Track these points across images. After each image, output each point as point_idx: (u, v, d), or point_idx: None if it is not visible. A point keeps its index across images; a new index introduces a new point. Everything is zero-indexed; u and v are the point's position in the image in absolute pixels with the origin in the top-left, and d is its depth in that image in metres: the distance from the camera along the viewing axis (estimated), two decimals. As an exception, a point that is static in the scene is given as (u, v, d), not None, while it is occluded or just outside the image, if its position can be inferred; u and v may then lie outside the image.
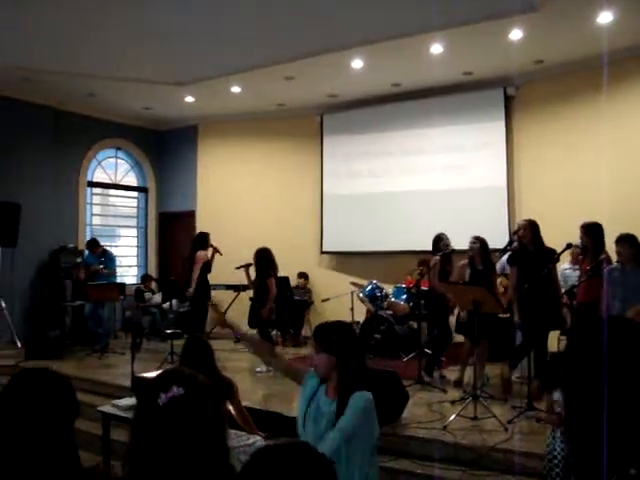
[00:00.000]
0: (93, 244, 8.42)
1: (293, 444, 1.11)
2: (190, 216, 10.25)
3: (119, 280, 8.91)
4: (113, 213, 10.93)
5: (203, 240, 7.63)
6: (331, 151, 9.30)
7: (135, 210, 10.82)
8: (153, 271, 10.53)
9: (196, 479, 1.27)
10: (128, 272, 10.59)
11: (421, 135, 8.55)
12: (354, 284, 7.92)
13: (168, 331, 7.54)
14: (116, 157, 10.45)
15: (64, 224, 9.16)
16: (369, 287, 7.75)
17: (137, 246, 10.82)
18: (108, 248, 8.83)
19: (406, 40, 6.56)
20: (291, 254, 8.60)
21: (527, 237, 5.33)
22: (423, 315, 6.29)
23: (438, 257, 6.09)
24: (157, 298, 9.60)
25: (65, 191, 9.26)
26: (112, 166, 10.42)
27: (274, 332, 7.79)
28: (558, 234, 5.33)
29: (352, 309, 7.58)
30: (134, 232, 10.84)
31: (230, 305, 6.47)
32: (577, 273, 5.73)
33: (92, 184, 9.96)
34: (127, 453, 1.31)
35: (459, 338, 6.03)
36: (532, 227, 5.35)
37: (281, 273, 7.33)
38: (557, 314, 5.26)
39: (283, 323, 8.15)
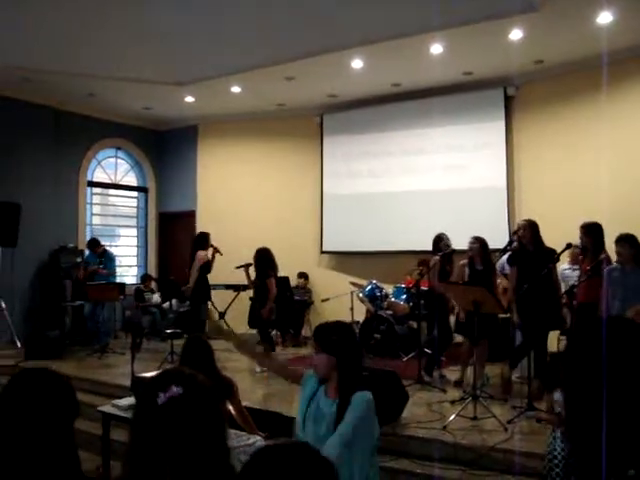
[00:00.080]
0: (94, 244, 8.45)
1: (293, 444, 1.11)
2: (190, 216, 10.25)
3: (119, 280, 8.92)
4: (113, 213, 10.93)
5: (203, 240, 7.62)
6: (331, 151, 9.30)
7: (135, 210, 10.82)
8: (153, 271, 10.53)
9: (196, 479, 1.27)
10: (128, 272, 10.60)
11: (421, 135, 8.55)
12: (354, 284, 7.92)
13: (168, 331, 7.53)
14: (116, 157, 10.45)
15: (64, 224, 9.16)
16: (369, 287, 7.75)
17: (137, 246, 10.82)
18: (108, 248, 8.84)
19: (406, 40, 6.56)
20: (291, 254, 8.60)
21: (527, 237, 5.33)
22: (423, 315, 6.29)
23: (438, 257, 6.08)
24: (157, 298, 9.60)
25: (65, 191, 9.26)
26: (112, 166, 10.42)
27: (274, 332, 7.78)
28: (558, 234, 5.33)
29: (352, 309, 7.59)
30: (134, 232, 10.84)
31: (230, 305, 6.48)
32: (577, 273, 5.72)
33: (92, 184, 9.96)
34: (126, 453, 1.31)
35: (459, 338, 6.03)
36: (532, 227, 5.36)
37: (281, 273, 7.33)
38: (557, 314, 5.27)
39: (283, 323, 8.15)
